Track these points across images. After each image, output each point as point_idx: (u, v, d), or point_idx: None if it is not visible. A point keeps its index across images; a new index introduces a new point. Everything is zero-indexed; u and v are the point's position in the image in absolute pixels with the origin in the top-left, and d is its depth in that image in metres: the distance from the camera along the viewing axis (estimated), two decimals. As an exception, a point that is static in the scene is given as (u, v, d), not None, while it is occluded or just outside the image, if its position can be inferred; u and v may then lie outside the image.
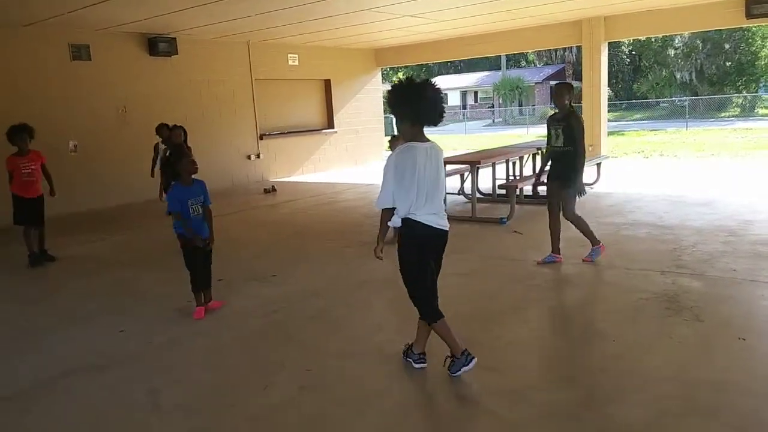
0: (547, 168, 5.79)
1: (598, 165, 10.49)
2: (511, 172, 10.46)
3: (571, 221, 5.68)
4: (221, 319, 4.74)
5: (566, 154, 5.47)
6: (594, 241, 5.73)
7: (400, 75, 52.33)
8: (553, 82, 44.97)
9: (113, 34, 10.72)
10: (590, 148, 13.53)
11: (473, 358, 3.44)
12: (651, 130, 24.68)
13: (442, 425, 3.06)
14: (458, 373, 3.44)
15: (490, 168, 9.15)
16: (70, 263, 6.91)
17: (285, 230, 8.26)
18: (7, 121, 6.67)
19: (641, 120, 32.66)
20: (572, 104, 5.59)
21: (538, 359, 3.73)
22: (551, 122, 5.61)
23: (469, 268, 4.99)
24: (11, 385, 3.77)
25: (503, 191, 8.46)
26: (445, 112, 3.40)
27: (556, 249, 5.79)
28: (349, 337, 3.84)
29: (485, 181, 9.37)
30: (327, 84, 15.47)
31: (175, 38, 11.49)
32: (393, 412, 3.24)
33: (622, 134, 22.97)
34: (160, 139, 8.41)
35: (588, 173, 10.44)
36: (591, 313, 4.45)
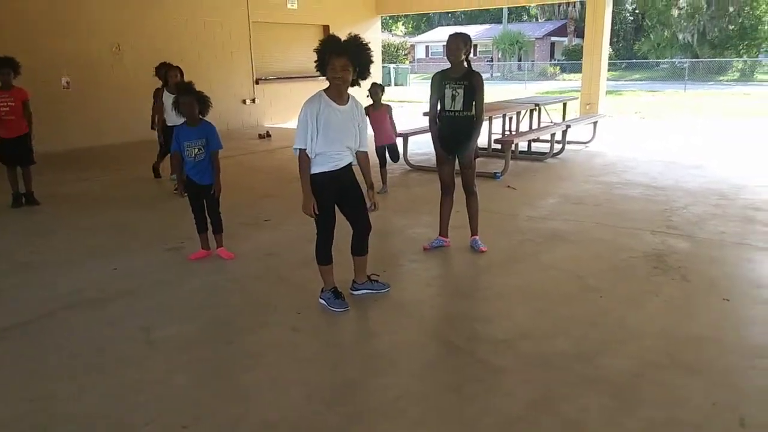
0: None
1: (595, 124, 10.47)
2: (507, 127, 10.43)
3: (473, 195, 4.90)
4: (214, 261, 4.78)
5: (467, 120, 4.59)
6: (473, 231, 4.98)
7: (400, 24, 51.37)
8: (554, 38, 44.52)
9: (107, -33, 10.43)
10: (587, 107, 13.54)
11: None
12: (649, 91, 24.53)
13: (429, 371, 3.15)
14: (323, 302, 3.88)
15: (486, 122, 9.10)
16: (64, 201, 6.89)
17: (279, 176, 8.25)
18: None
19: (640, 80, 32.42)
20: (470, 60, 4.60)
21: (527, 311, 3.81)
22: (445, 81, 4.57)
23: (463, 221, 5.03)
24: (10, 317, 3.81)
25: (498, 146, 8.44)
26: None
27: (444, 231, 5.01)
28: (339, 281, 3.90)
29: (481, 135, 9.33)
30: (325, 30, 15.15)
31: (171, -25, 11.20)
32: (381, 355, 3.32)
33: (620, 94, 22.83)
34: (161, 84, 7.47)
35: (584, 132, 10.47)
36: (582, 268, 4.52)
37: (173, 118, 6.86)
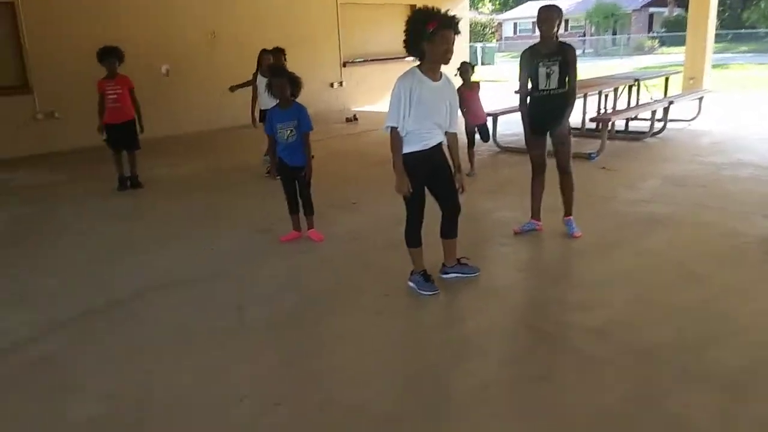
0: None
1: (700, 99, 9.77)
2: (602, 105, 9.95)
3: (568, 174, 4.66)
4: (303, 243, 4.85)
5: (563, 98, 4.39)
6: (568, 211, 4.74)
7: (487, 2, 50.20)
8: (653, 9, 41.98)
9: (202, -41, 10.77)
10: (691, 82, 12.67)
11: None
12: (759, 64, 22.68)
13: (518, 358, 3.05)
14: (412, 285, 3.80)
15: (581, 100, 8.70)
16: (163, 184, 7.23)
17: (366, 160, 8.27)
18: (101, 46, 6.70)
19: (748, 53, 30.00)
20: (558, 35, 4.37)
21: (625, 298, 3.61)
22: (537, 57, 4.34)
23: (555, 204, 4.83)
24: (106, 296, 4.00)
25: (593, 125, 8.05)
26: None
27: (537, 213, 4.80)
28: (427, 264, 3.84)
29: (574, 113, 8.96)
30: (412, 9, 15.02)
31: (262, -38, 11.44)
32: (468, 341, 3.24)
33: (727, 67, 21.26)
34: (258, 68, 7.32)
35: (688, 109, 9.81)
36: (685, 254, 4.23)
37: (266, 101, 7.02)
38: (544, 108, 4.46)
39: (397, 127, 3.51)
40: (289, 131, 4.63)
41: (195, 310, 3.74)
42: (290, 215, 4.93)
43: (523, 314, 3.60)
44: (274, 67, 4.83)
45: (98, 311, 3.78)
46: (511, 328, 3.38)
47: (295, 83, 4.68)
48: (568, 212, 4.76)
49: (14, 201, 6.74)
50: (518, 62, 4.58)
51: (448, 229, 3.85)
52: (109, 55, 6.56)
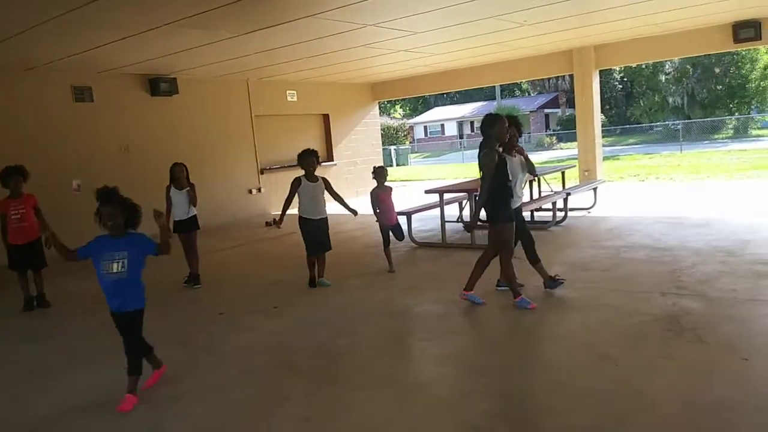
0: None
1: (595, 189, 10.59)
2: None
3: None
4: (223, 352, 4.75)
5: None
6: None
7: (398, 107, 53.02)
8: (548, 110, 45.66)
9: (115, 75, 10.91)
10: (586, 174, 13.72)
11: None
12: (646, 154, 24.90)
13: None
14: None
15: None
16: (72, 301, 6.91)
17: (286, 262, 8.30)
18: (11, 163, 6.52)
19: (635, 144, 33.00)
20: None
21: (542, 383, 3.75)
22: (504, 158, 5.31)
23: (486, 282, 5.03)
24: (19, 424, 3.77)
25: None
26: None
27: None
28: (351, 367, 3.86)
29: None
30: (326, 118, 15.67)
31: (175, 78, 11.70)
32: (400, 440, 3.24)
33: (618, 159, 23.17)
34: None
35: (585, 198, 10.59)
36: (593, 336, 4.47)
37: (180, 212, 7.05)
38: (510, 201, 5.57)
39: None
40: (117, 264, 3.76)
41: (110, 435, 3.54)
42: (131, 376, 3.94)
43: (448, 409, 3.64)
44: (102, 192, 3.86)
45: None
46: (437, 423, 3.41)
47: (130, 211, 3.85)
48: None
49: None
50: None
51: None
52: (15, 174, 6.36)
